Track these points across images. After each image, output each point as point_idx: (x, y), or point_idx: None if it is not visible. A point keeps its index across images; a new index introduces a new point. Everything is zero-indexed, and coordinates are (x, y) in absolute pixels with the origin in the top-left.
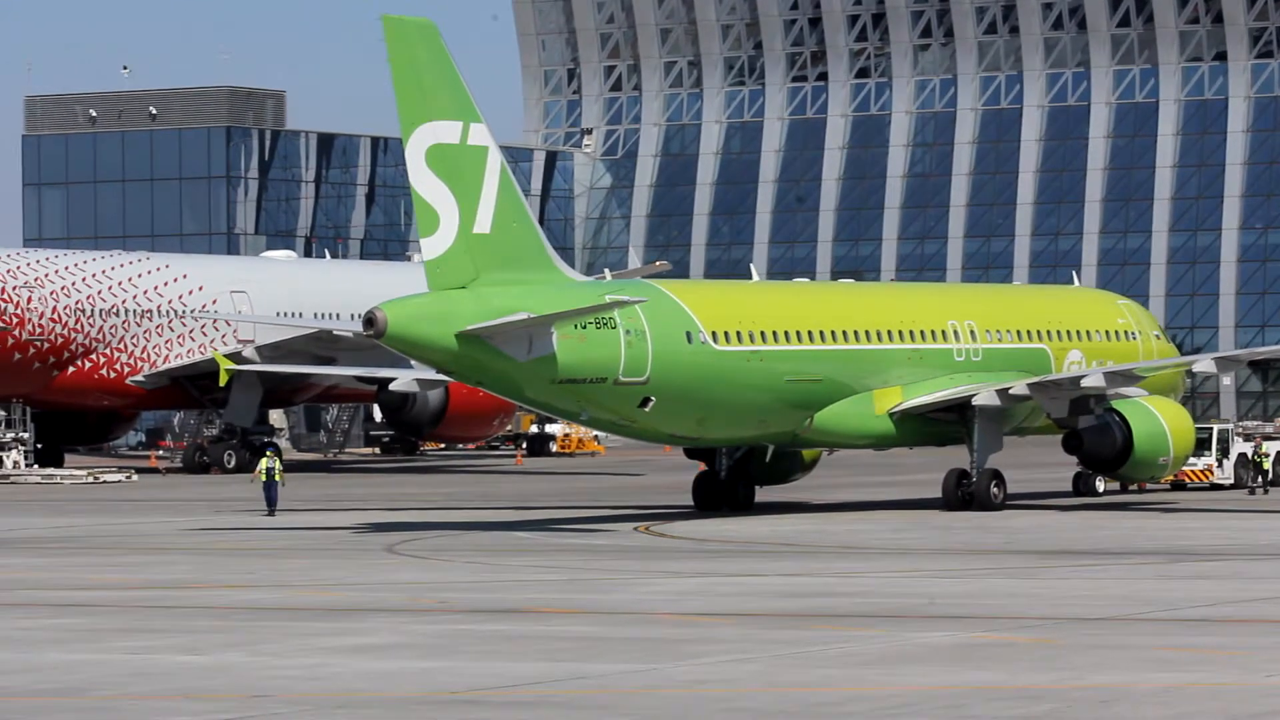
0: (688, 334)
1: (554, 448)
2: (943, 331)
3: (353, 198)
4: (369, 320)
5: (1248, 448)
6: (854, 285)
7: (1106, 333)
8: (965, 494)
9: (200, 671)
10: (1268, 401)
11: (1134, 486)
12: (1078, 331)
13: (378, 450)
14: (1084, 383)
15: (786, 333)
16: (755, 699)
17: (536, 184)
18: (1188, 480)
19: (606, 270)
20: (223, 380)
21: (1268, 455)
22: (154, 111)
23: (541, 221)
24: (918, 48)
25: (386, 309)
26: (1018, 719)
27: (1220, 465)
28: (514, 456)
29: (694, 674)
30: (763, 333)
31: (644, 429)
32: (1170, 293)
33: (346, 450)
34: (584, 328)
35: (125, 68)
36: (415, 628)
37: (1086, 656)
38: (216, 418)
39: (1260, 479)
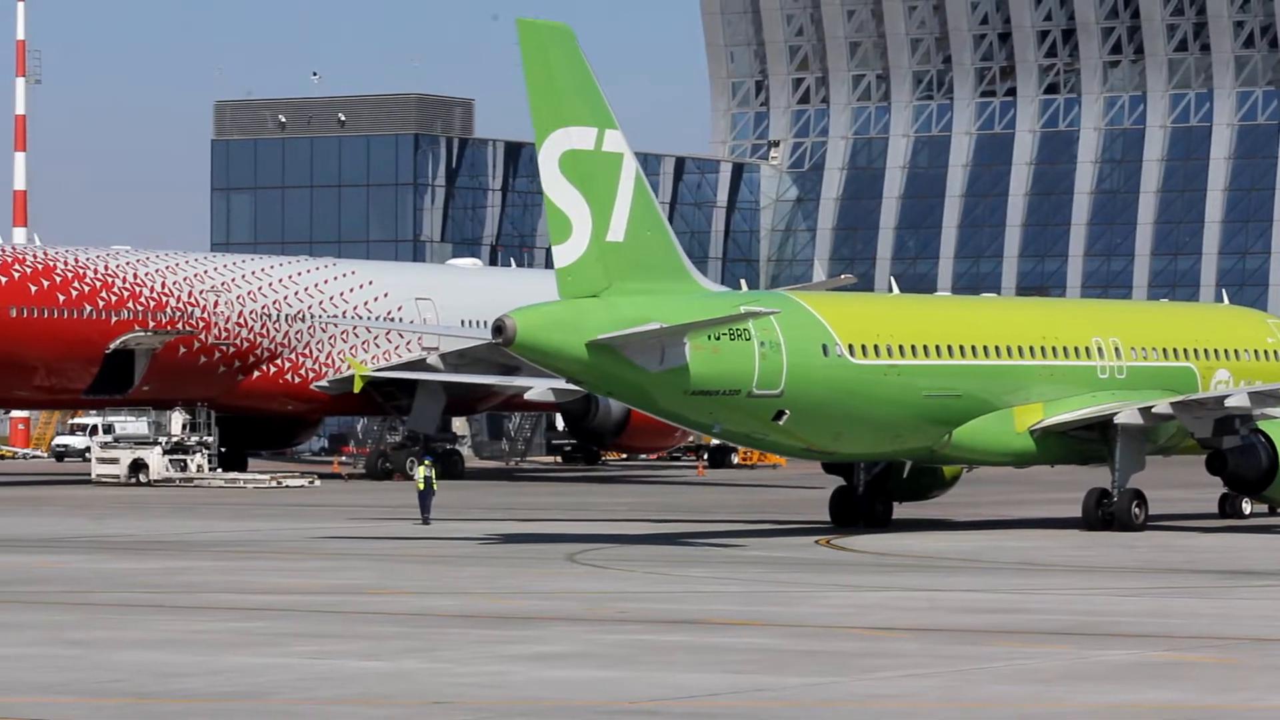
0: (824, 346)
1: (735, 459)
2: (1086, 348)
3: (538, 206)
4: (498, 328)
5: None
6: (996, 300)
7: (1256, 352)
8: (1106, 514)
9: (379, 677)
10: None
11: None
12: (1225, 350)
13: (559, 459)
14: (1228, 402)
15: (925, 347)
16: (935, 714)
17: (722, 195)
18: None
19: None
20: (357, 387)
21: None
22: (343, 118)
23: (726, 233)
24: (1108, 64)
25: (516, 316)
26: None
27: None
28: (695, 468)
29: (874, 688)
30: (900, 346)
31: (778, 443)
32: None
33: (528, 458)
34: (718, 339)
35: (315, 74)
36: (595, 637)
37: (1269, 677)
38: (400, 424)
39: None
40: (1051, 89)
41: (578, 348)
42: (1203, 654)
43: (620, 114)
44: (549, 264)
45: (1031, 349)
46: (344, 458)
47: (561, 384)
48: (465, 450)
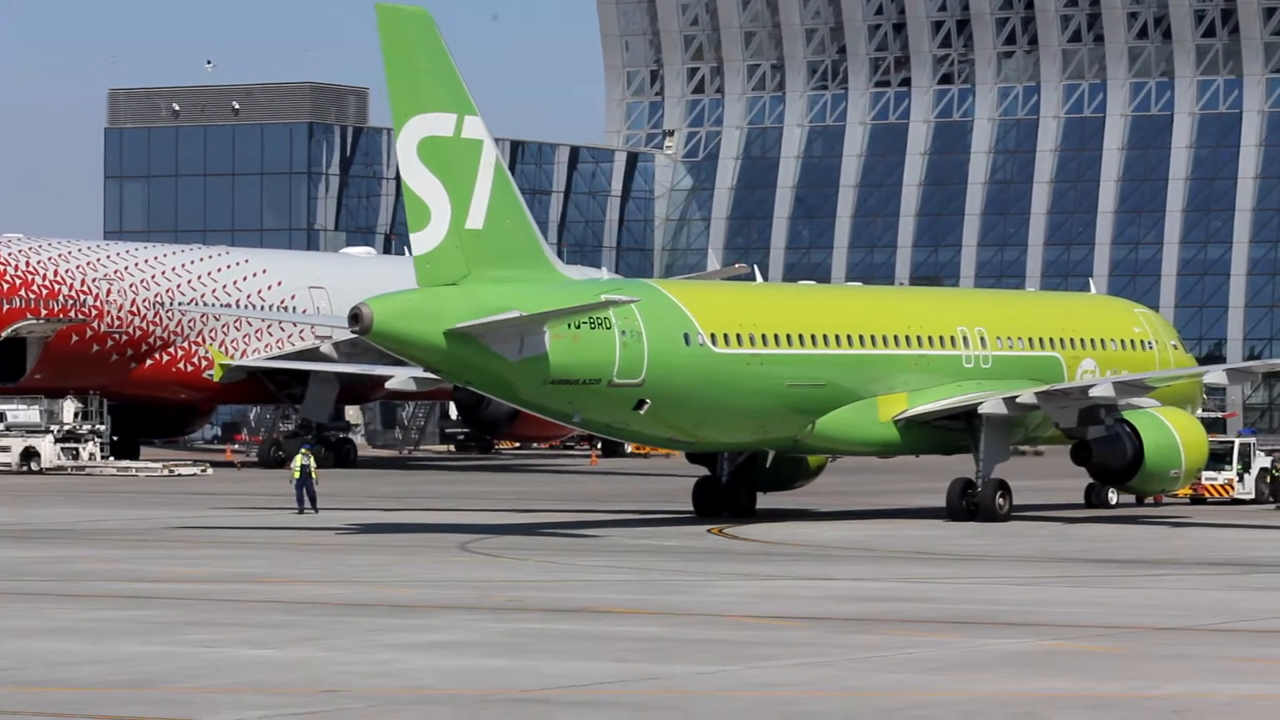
0: (685, 335)
1: (629, 449)
2: (951, 337)
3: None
4: (354, 316)
5: (1269, 462)
6: (861, 289)
7: (1122, 341)
8: (970, 504)
9: (271, 665)
10: (1274, 415)
11: (1149, 500)
12: (1092, 339)
13: (452, 448)
14: (1093, 392)
15: (789, 336)
16: (826, 703)
17: (617, 185)
18: (1207, 494)
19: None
20: (217, 375)
21: None
22: (236, 106)
23: (621, 223)
24: (1002, 55)
25: (373, 304)
26: None
27: (1241, 480)
28: (589, 457)
29: (764, 677)
30: (763, 335)
31: (640, 432)
32: (1249, 304)
33: (421, 447)
34: (578, 327)
35: (209, 62)
36: (486, 625)
37: (1158, 666)
38: (293, 413)
39: (1275, 493)
40: (946, 79)
41: (435, 336)
42: (1092, 643)
43: (515, 103)
44: None
45: (896, 338)
46: (237, 446)
47: (422, 373)
48: (358, 439)
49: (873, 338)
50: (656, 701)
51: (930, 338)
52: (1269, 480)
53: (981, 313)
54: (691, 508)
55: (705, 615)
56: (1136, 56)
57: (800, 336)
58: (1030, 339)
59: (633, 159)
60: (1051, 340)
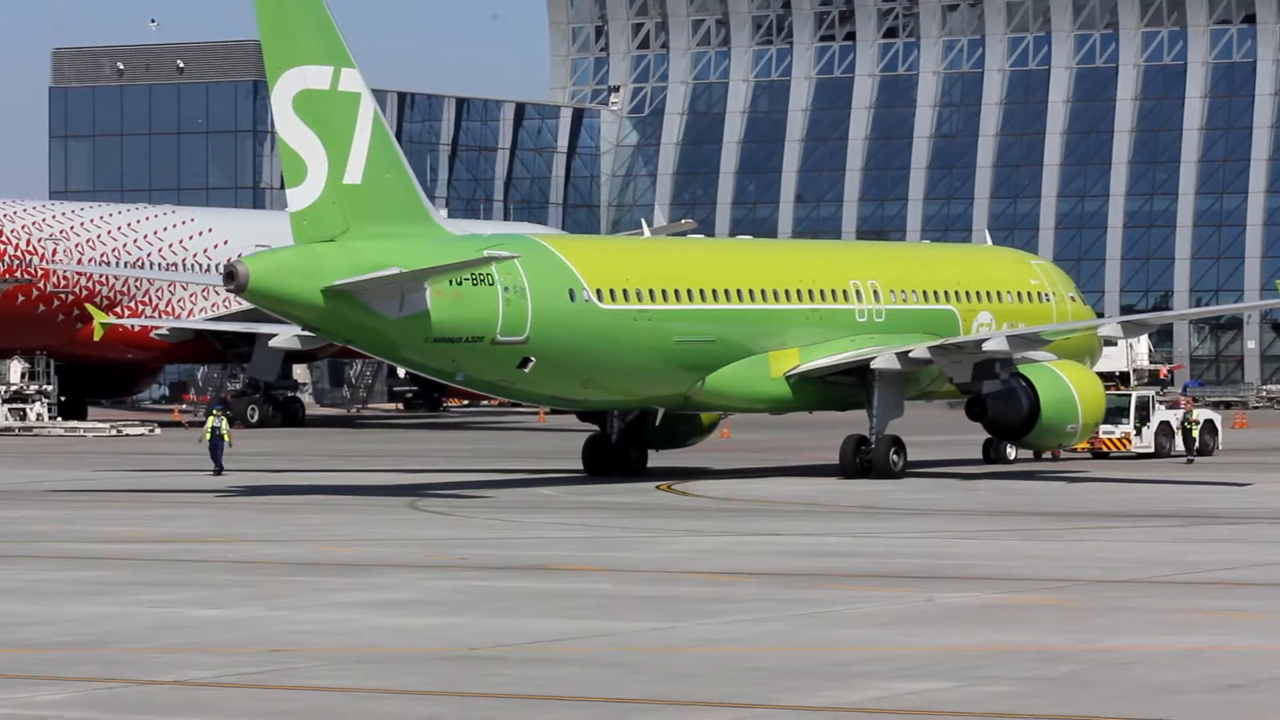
0: (570, 291)
1: None
2: (844, 291)
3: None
4: (229, 274)
5: (1171, 415)
6: (752, 242)
7: (1019, 294)
8: (864, 461)
9: (220, 625)
10: (1221, 366)
11: (1047, 454)
12: (988, 293)
13: (401, 406)
14: (986, 346)
15: (677, 291)
16: (774, 658)
17: (563, 141)
18: (1105, 448)
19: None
20: (97, 335)
21: (1197, 423)
22: (181, 65)
23: (567, 179)
24: (946, 8)
25: (249, 262)
26: (1036, 680)
27: (1139, 434)
28: (536, 413)
29: (713, 633)
30: (651, 291)
31: (524, 391)
32: (1195, 255)
33: (370, 406)
34: (459, 284)
35: (154, 21)
36: (435, 584)
37: (1105, 619)
38: (240, 372)
39: (1191, 448)
40: (890, 33)
41: (313, 294)
42: (1040, 596)
43: (460, 60)
44: None
45: (787, 292)
46: (184, 406)
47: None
48: (306, 397)
49: (764, 292)
50: (606, 658)
51: (823, 291)
52: (1183, 434)
53: (875, 266)
54: (581, 466)
55: (655, 572)
56: (1081, 9)
57: (689, 291)
58: (925, 292)
59: (578, 115)
60: (946, 293)
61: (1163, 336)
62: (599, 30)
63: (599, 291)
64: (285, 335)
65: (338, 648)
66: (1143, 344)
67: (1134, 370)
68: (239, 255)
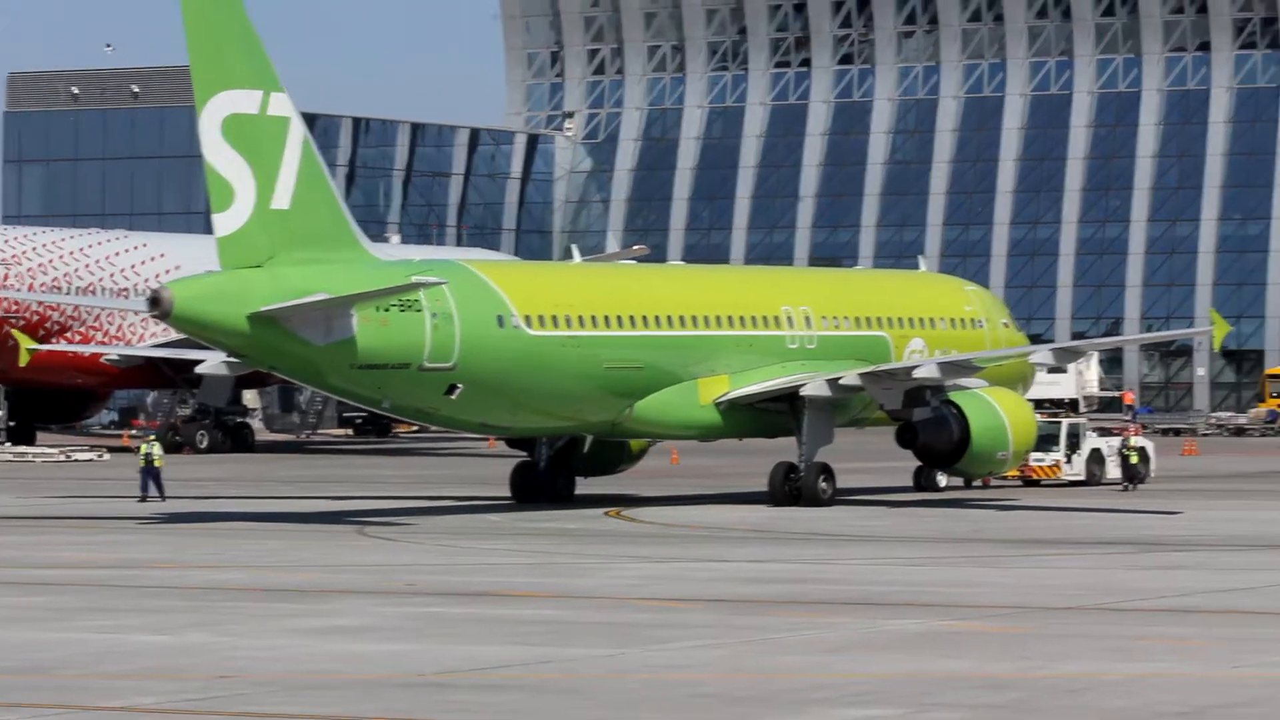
0: (499, 317)
1: None
2: (775, 318)
3: (334, 178)
4: (154, 300)
5: (1103, 443)
6: (684, 268)
7: (952, 320)
8: (793, 488)
9: (167, 651)
10: (1241, 393)
11: (978, 482)
12: (921, 319)
13: (350, 432)
14: (917, 373)
15: (606, 317)
16: (722, 685)
17: (517, 167)
18: (1036, 476)
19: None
20: (23, 360)
21: (1135, 451)
22: (136, 90)
23: (521, 205)
24: (901, 34)
25: (174, 287)
26: (984, 707)
27: (1069, 461)
28: (486, 439)
29: (661, 659)
30: (581, 317)
31: (452, 417)
32: (1147, 283)
33: (320, 431)
34: (386, 310)
35: (108, 45)
36: (384, 610)
37: (1054, 645)
38: (190, 397)
39: (1130, 476)
40: (846, 60)
41: (239, 320)
42: (989, 623)
43: (415, 85)
44: None
45: (718, 319)
46: (134, 431)
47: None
48: (256, 423)
49: (694, 318)
50: (554, 684)
51: (754, 318)
52: (1122, 461)
53: (807, 292)
54: (509, 493)
55: (603, 598)
56: (1036, 36)
57: (618, 317)
58: (857, 318)
59: (533, 141)
60: (879, 320)
61: (1113, 364)
62: (554, 56)
63: (528, 317)
64: (213, 361)
65: (286, 674)
66: (1093, 371)
67: (1084, 397)
68: (148, 281)
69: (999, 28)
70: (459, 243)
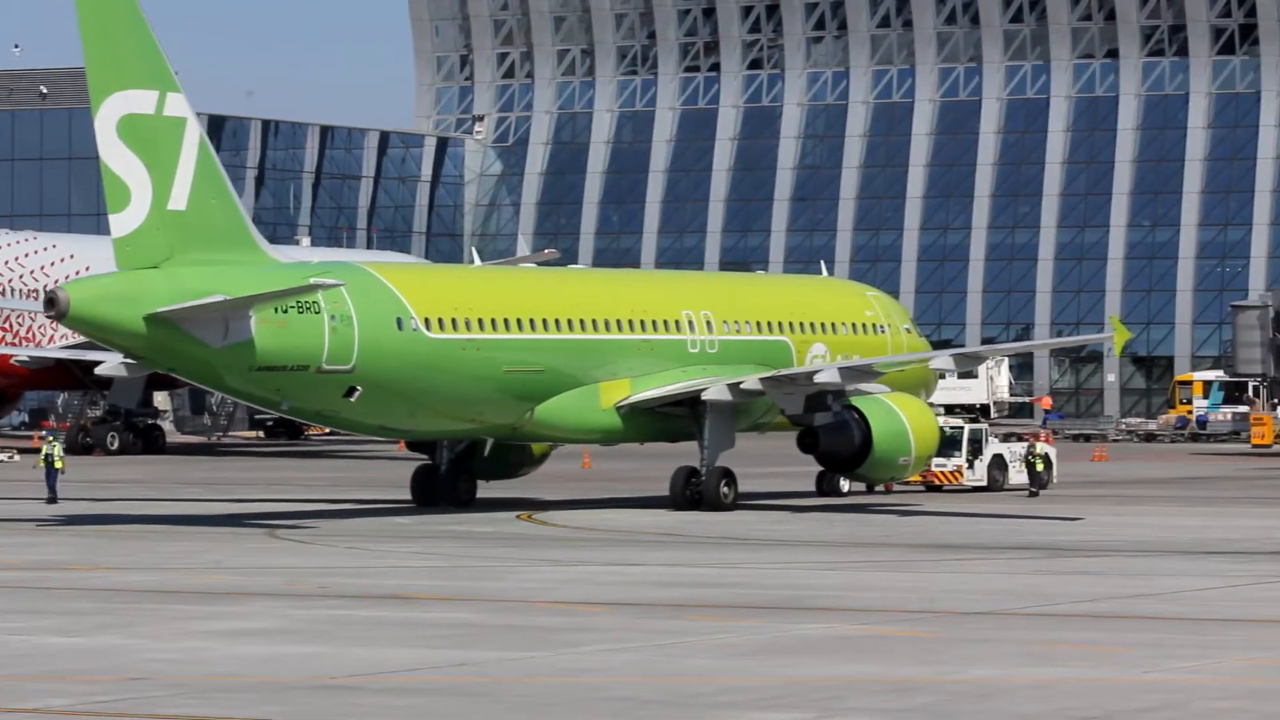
0: (398, 320)
1: None
2: (676, 322)
3: (243, 180)
4: (50, 300)
5: (1005, 449)
6: (585, 272)
7: (854, 325)
8: (694, 493)
9: (77, 654)
10: (1151, 399)
11: (880, 488)
12: (822, 324)
13: (261, 434)
14: (818, 378)
15: (507, 320)
16: (632, 689)
17: (426, 170)
18: (938, 481)
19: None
20: None
21: (1041, 457)
22: (44, 91)
23: (431, 208)
24: (811, 40)
25: (70, 288)
26: (895, 711)
27: (971, 467)
28: (397, 442)
29: (572, 663)
30: (481, 320)
31: (351, 420)
32: (1057, 289)
33: (230, 433)
34: (285, 312)
35: (16, 46)
36: (294, 612)
37: (964, 650)
38: (101, 399)
39: (1035, 482)
40: (755, 65)
41: (135, 321)
42: (899, 627)
43: (325, 88)
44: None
45: (619, 323)
46: (44, 432)
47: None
48: (167, 425)
49: (595, 322)
50: (464, 688)
51: (655, 322)
52: (1028, 467)
53: (708, 296)
54: (410, 497)
55: (514, 601)
56: (945, 42)
57: (519, 321)
58: (759, 323)
59: (442, 144)
60: (780, 324)
61: (1024, 369)
62: (464, 59)
63: (427, 320)
64: (111, 363)
65: (197, 676)
66: (1004, 376)
67: (995, 402)
68: (58, 282)
69: (908, 33)
70: (369, 245)
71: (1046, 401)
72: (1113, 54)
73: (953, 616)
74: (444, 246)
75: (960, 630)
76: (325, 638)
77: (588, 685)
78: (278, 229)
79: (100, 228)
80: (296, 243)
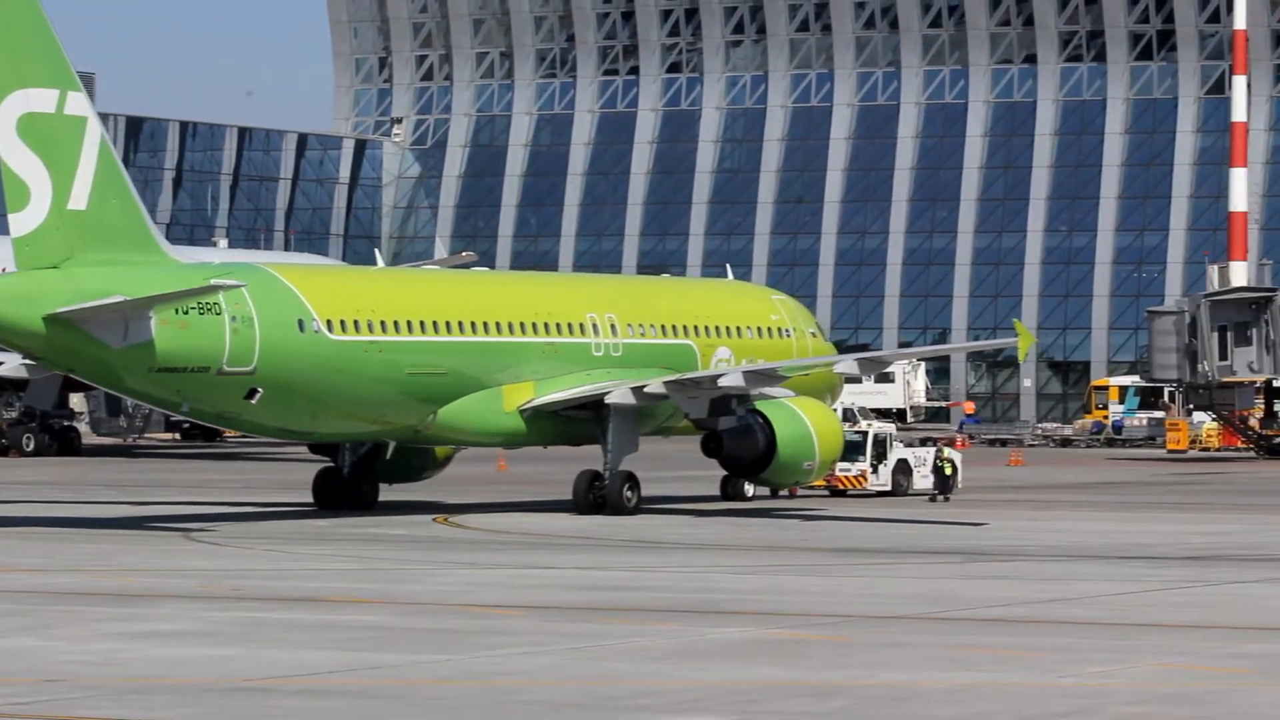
0: (300, 322)
1: None
2: (581, 325)
3: (160, 182)
4: None
5: (909, 453)
6: (489, 274)
7: (759, 329)
8: (597, 497)
9: None
10: (1067, 404)
11: (784, 492)
12: (728, 328)
13: (178, 436)
14: (722, 382)
15: (410, 322)
16: (547, 691)
17: (344, 172)
18: (842, 486)
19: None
20: None
21: (949, 462)
22: None
23: (349, 211)
24: (729, 44)
25: None
26: (810, 715)
27: (876, 471)
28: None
29: (488, 665)
30: (383, 322)
31: (253, 422)
32: (974, 293)
33: (147, 435)
34: (185, 313)
35: None
36: (210, 615)
37: (878, 654)
38: (16, 400)
39: (942, 486)
40: (674, 68)
41: (34, 321)
42: (815, 631)
43: (243, 89)
44: (170, 239)
45: (523, 325)
46: None
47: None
48: (83, 426)
49: (498, 325)
50: (379, 690)
51: (559, 325)
52: (936, 472)
53: (613, 299)
54: (312, 500)
55: (429, 604)
56: (864, 46)
57: (421, 323)
58: (663, 326)
59: (361, 146)
60: (685, 328)
61: (940, 374)
62: (382, 61)
63: (329, 322)
64: (11, 364)
65: (113, 678)
66: (920, 381)
67: (911, 407)
68: None
69: (826, 38)
70: (286, 247)
71: (969, 406)
72: (1031, 59)
73: (868, 620)
74: (361, 249)
75: (876, 634)
76: (241, 640)
77: (503, 688)
78: (195, 230)
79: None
80: (214, 244)
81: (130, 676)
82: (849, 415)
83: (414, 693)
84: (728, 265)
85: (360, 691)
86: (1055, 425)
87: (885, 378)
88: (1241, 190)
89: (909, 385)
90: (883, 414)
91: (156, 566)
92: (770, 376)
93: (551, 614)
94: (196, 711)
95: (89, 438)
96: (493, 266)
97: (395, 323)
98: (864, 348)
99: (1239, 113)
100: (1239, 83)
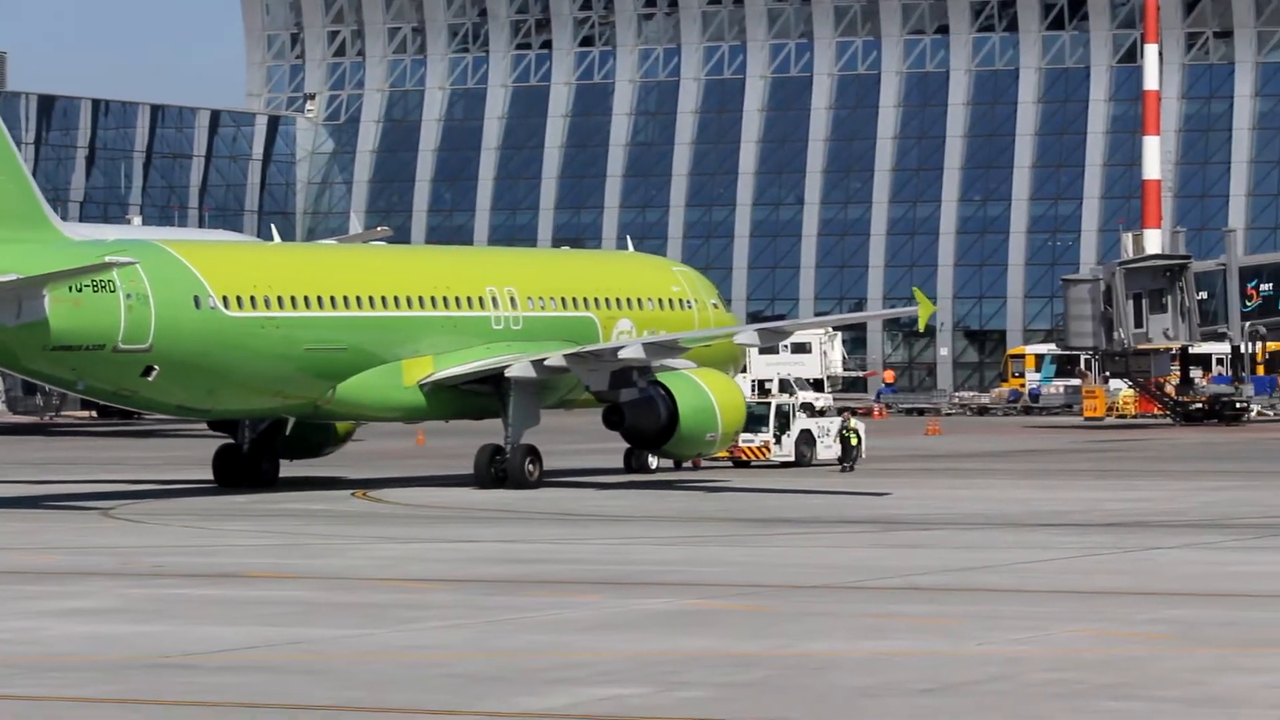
0: (196, 298)
1: None
2: (480, 298)
3: (73, 160)
4: None
5: (813, 424)
6: (386, 248)
7: (660, 301)
8: (499, 470)
9: None
10: (983, 372)
11: (688, 464)
12: (629, 299)
13: (95, 414)
14: (623, 354)
15: (307, 298)
16: (469, 664)
17: (258, 148)
18: (745, 457)
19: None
20: None
21: (855, 432)
22: None
23: (262, 186)
24: (642, 17)
25: None
26: (732, 685)
27: (779, 442)
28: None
29: (409, 639)
30: (280, 298)
31: (150, 399)
32: (889, 264)
33: (64, 413)
34: (79, 291)
35: None
36: (130, 591)
37: (799, 624)
38: None
39: (847, 456)
40: (587, 42)
41: None
42: (735, 601)
43: (155, 66)
44: (83, 218)
45: (421, 299)
46: None
47: None
48: None
49: (396, 299)
50: (300, 665)
51: (458, 298)
52: (842, 442)
53: (512, 273)
54: (212, 477)
55: (350, 579)
56: (776, 18)
57: (319, 298)
58: (564, 299)
59: (274, 122)
60: (586, 300)
61: (857, 343)
62: (295, 38)
63: (225, 298)
64: None
65: (31, 656)
66: (837, 351)
67: (828, 377)
68: None
69: (739, 10)
70: (201, 224)
71: (889, 375)
72: (943, 30)
73: (788, 590)
74: (277, 224)
75: (795, 604)
76: (162, 616)
77: (425, 662)
78: (109, 208)
79: None
80: (128, 222)
81: (51, 654)
82: (785, 386)
83: (337, 667)
84: (628, 238)
85: (283, 666)
86: (972, 394)
87: (802, 348)
88: (1154, 158)
89: (825, 355)
90: (798, 385)
91: (76, 544)
92: (671, 348)
93: (472, 587)
94: (118, 688)
95: (5, 416)
96: (408, 241)
97: (293, 298)
98: (779, 318)
99: (1151, 81)
100: (1151, 51)
